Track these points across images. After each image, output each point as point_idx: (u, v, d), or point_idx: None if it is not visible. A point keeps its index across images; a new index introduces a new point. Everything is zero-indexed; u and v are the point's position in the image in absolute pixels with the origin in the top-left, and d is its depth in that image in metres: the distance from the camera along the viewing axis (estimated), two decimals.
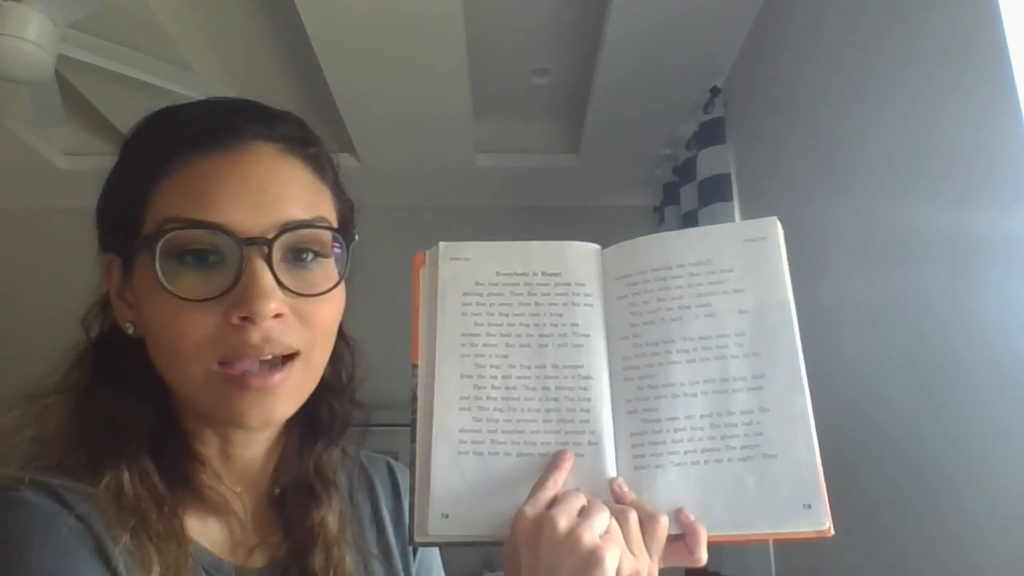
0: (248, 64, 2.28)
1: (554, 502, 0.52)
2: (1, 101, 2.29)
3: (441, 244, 0.62)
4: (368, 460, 0.73)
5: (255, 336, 0.51)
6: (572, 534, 0.49)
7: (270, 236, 0.52)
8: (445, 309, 0.60)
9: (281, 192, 0.54)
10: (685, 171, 2.33)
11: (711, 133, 2.11)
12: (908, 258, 1.19)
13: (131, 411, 0.56)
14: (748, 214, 2.02)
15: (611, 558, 0.48)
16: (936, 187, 1.11)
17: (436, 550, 0.73)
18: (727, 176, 2.07)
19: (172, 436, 0.57)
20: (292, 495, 0.63)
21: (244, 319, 0.51)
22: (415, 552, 0.70)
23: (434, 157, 2.64)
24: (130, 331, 0.56)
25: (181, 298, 0.51)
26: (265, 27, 2.12)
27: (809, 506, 0.53)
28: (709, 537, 0.54)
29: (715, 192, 2.06)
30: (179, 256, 0.52)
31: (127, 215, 0.54)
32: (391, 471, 0.74)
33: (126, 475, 0.53)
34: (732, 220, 2.03)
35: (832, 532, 0.53)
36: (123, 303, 0.57)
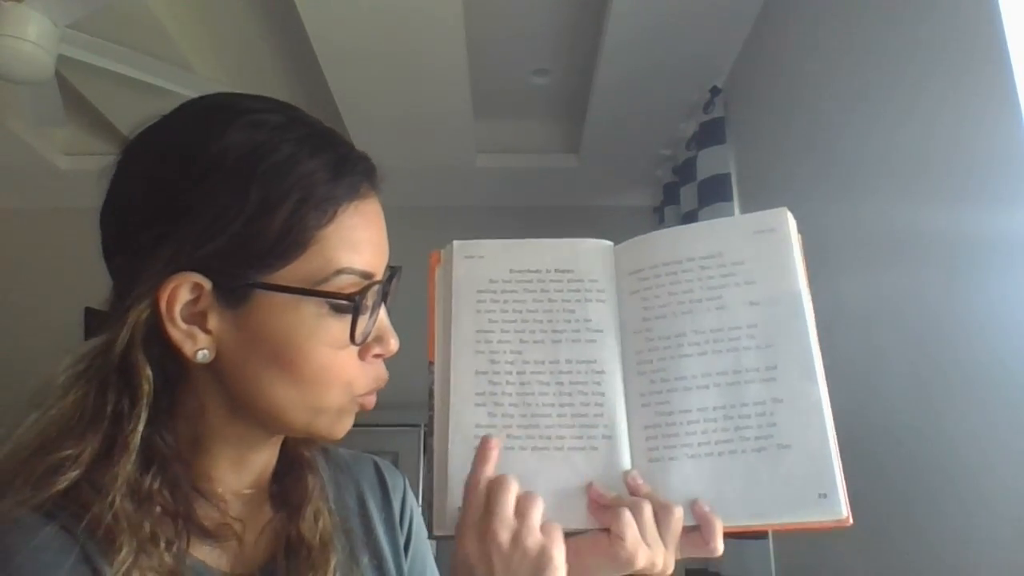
0: (248, 64, 2.28)
1: (488, 504, 0.53)
2: (1, 101, 2.29)
3: (455, 242, 0.62)
4: (353, 459, 0.73)
5: (384, 370, 0.58)
6: (517, 543, 0.51)
7: (386, 279, 0.58)
8: (460, 307, 0.61)
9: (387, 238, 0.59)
10: (685, 171, 2.33)
11: (711, 133, 2.11)
12: (908, 258, 1.19)
13: (152, 438, 0.53)
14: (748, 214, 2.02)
15: (559, 553, 0.51)
16: (936, 187, 1.11)
17: (429, 549, 0.74)
18: (727, 176, 2.07)
19: (183, 465, 0.56)
20: (285, 469, 0.64)
21: (378, 356, 0.57)
22: (407, 550, 0.70)
23: (434, 157, 2.64)
24: (200, 358, 0.53)
25: (355, 344, 0.54)
26: (265, 27, 2.12)
27: (825, 495, 0.54)
28: (725, 528, 0.54)
29: (715, 192, 2.06)
30: (344, 308, 0.54)
31: (267, 250, 0.52)
32: (378, 470, 0.74)
33: (128, 503, 0.51)
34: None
35: (851, 521, 0.53)
36: (196, 327, 0.53)
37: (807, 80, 1.61)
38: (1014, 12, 0.93)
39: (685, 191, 2.33)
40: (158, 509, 0.52)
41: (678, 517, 0.54)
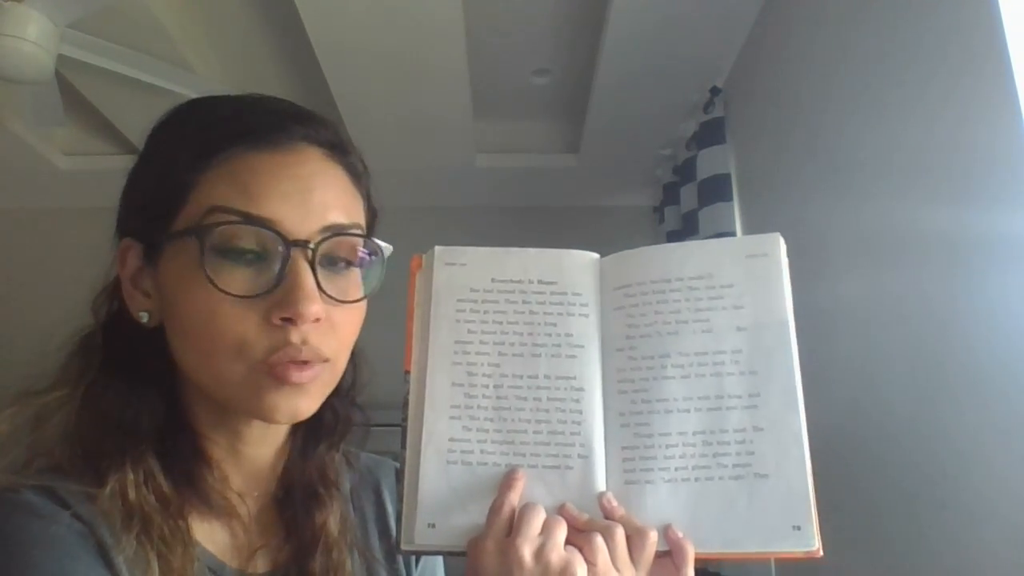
0: (248, 64, 2.28)
1: (516, 524, 0.51)
2: (1, 101, 2.29)
3: (437, 248, 0.61)
4: (374, 463, 0.73)
5: (295, 337, 0.52)
6: (541, 559, 0.49)
7: (315, 240, 0.53)
8: (439, 315, 0.59)
9: (326, 196, 0.55)
10: (685, 171, 2.33)
11: (711, 133, 2.11)
12: (908, 258, 1.19)
13: (137, 406, 0.55)
14: (748, 214, 2.02)
15: (582, 571, 0.49)
16: (936, 187, 1.11)
17: (440, 559, 0.74)
18: (727, 176, 2.06)
19: (180, 434, 0.56)
20: (296, 497, 0.63)
21: (286, 320, 0.52)
22: (418, 557, 0.70)
23: (434, 157, 2.64)
24: (144, 320, 0.55)
25: (227, 293, 0.51)
26: (265, 27, 2.12)
27: (799, 527, 0.53)
28: (697, 554, 0.54)
29: (715, 192, 2.06)
30: (222, 249, 0.51)
31: (162, 201, 0.53)
32: (399, 475, 0.74)
33: (130, 476, 0.52)
34: (732, 220, 2.03)
35: (821, 554, 0.53)
36: (137, 291, 0.56)
37: (807, 80, 1.61)
38: (1014, 12, 0.93)
39: (685, 191, 2.33)
40: (153, 486, 0.53)
41: (652, 542, 0.53)
